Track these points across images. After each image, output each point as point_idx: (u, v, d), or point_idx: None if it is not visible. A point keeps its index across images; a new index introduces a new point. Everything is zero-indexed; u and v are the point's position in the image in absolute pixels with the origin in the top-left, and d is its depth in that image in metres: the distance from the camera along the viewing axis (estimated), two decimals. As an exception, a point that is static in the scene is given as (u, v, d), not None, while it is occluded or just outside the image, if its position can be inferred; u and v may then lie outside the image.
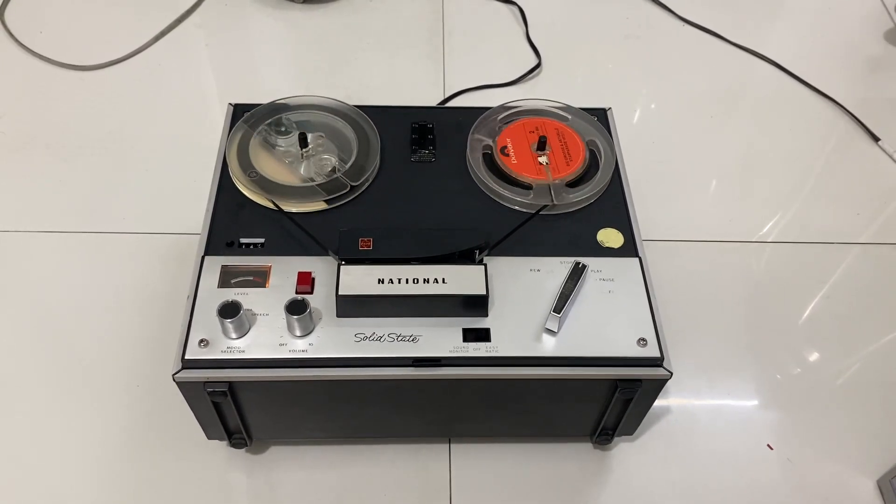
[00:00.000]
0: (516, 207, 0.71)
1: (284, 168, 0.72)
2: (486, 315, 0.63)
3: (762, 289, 0.92)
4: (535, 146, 0.74)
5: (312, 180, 0.71)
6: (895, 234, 0.98)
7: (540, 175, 0.72)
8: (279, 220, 0.69)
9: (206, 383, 0.61)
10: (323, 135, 0.74)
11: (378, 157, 0.73)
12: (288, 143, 0.73)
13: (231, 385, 0.62)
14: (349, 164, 0.72)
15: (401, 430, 0.74)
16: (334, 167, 0.72)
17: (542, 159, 0.72)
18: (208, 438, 0.72)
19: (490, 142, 0.75)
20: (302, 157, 0.73)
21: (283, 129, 0.74)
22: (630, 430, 0.74)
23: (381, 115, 0.77)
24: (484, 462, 0.76)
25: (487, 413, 0.70)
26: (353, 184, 0.70)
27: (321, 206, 0.70)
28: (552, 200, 0.70)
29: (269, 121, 0.75)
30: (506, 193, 0.71)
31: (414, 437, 0.77)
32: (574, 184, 0.73)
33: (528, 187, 0.72)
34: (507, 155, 0.73)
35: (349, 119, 0.76)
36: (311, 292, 0.64)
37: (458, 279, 0.62)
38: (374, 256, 0.63)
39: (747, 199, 1.01)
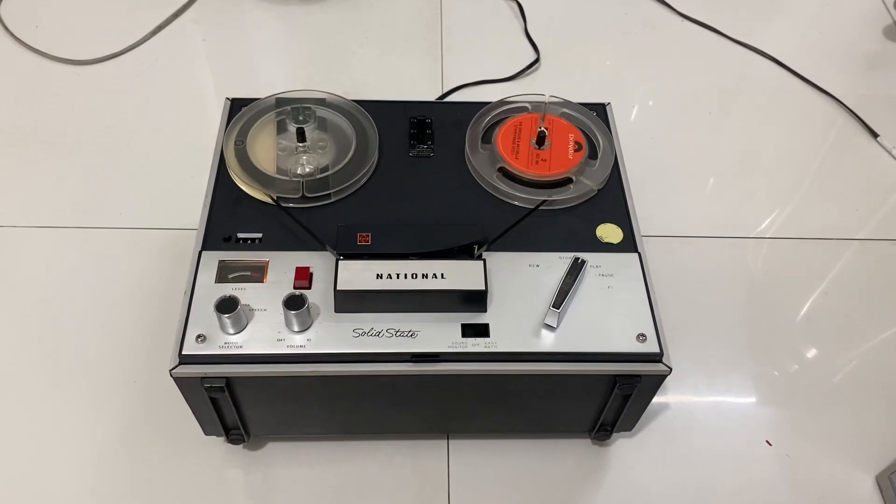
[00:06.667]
0: (515, 203, 0.71)
1: (278, 161, 0.71)
2: (485, 310, 0.63)
3: (761, 285, 0.92)
4: (535, 141, 0.74)
5: (305, 175, 0.70)
6: (894, 230, 0.98)
7: (539, 170, 0.72)
8: (277, 215, 0.68)
9: (204, 379, 0.61)
10: (321, 131, 0.74)
11: (376, 152, 0.73)
12: (288, 137, 0.73)
13: (228, 381, 0.62)
14: (346, 161, 0.72)
15: (399, 425, 0.74)
16: (326, 165, 0.71)
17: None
18: (206, 434, 0.71)
19: (489, 136, 0.75)
20: (296, 151, 0.72)
21: (301, 118, 0.74)
22: (629, 426, 0.74)
23: (379, 110, 0.76)
24: (482, 458, 0.76)
25: (486, 409, 0.70)
26: (337, 188, 0.70)
27: (311, 202, 0.69)
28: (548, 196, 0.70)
29: (293, 107, 0.74)
30: (504, 188, 0.71)
31: (412, 433, 0.77)
32: (572, 179, 0.72)
33: (526, 183, 0.71)
34: (507, 150, 0.73)
35: (347, 114, 0.76)
36: (309, 287, 0.64)
37: (457, 274, 0.62)
38: (372, 251, 0.63)
39: (746, 196, 1.01)
